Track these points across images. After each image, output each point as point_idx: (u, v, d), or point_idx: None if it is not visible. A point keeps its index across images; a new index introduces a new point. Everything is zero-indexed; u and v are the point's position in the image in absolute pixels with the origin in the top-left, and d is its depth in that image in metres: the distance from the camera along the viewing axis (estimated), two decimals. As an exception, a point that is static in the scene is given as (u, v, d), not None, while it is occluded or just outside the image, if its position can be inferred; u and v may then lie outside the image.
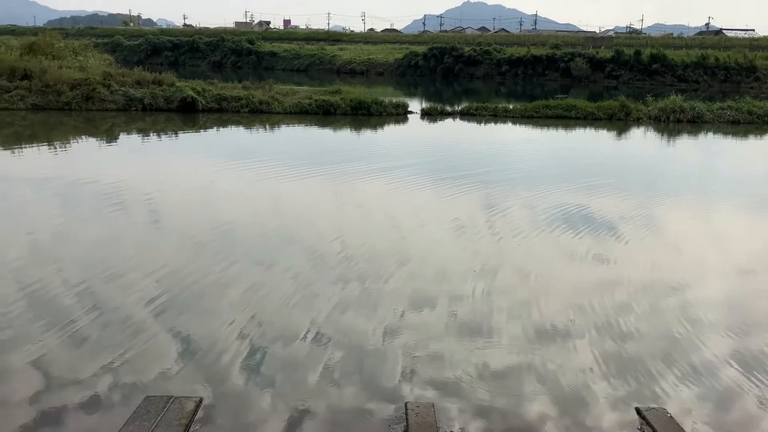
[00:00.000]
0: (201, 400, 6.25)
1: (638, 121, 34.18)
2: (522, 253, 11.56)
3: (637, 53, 72.91)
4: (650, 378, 7.20)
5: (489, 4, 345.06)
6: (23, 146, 22.68)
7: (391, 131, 30.04)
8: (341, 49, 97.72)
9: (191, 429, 5.83)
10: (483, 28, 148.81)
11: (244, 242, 11.64)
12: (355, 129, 29.82)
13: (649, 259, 11.39)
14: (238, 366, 7.08)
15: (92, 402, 6.33)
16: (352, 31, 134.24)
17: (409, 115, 34.70)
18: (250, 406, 6.32)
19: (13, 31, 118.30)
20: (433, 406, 6.31)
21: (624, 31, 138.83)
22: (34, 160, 19.94)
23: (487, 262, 10.82)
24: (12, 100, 30.88)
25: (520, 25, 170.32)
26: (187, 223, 12.89)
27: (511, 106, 36.86)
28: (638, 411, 6.45)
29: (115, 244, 11.38)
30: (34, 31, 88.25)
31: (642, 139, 30.16)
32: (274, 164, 19.61)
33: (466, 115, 35.58)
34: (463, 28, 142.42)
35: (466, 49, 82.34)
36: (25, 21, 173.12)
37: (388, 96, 40.18)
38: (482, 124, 33.24)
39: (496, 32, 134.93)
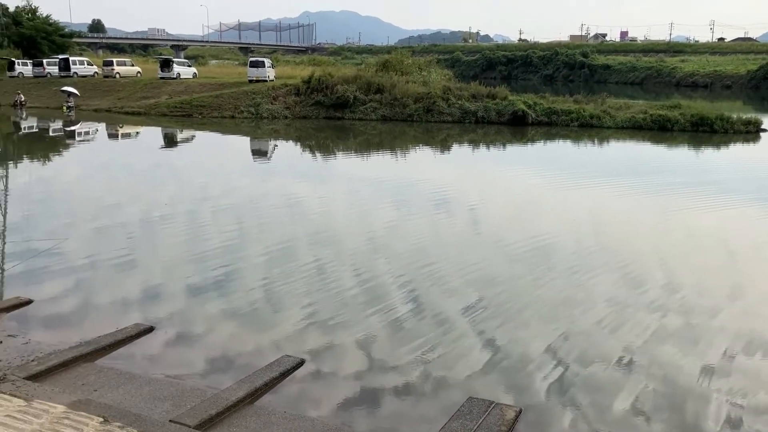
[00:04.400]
0: (521, 411, 6.34)
1: None
2: None
3: None
4: None
5: None
6: (371, 152, 25.67)
7: (737, 151, 26.96)
8: (683, 61, 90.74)
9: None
10: None
11: (559, 255, 11.55)
12: (694, 146, 27.41)
13: None
14: (545, 381, 7.06)
15: (408, 390, 6.84)
16: (697, 41, 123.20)
17: (762, 134, 30.72)
18: (556, 422, 6.27)
19: (370, 50, 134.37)
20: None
21: None
22: (379, 164, 22.41)
23: None
24: (366, 111, 35.16)
25: None
26: (507, 231, 13.22)
27: None
28: None
29: (438, 244, 12.22)
30: (388, 49, 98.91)
31: None
32: (599, 179, 19.06)
33: (837, 135, 30.20)
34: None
35: None
36: (380, 40, 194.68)
37: (736, 111, 36.06)
38: None
39: None
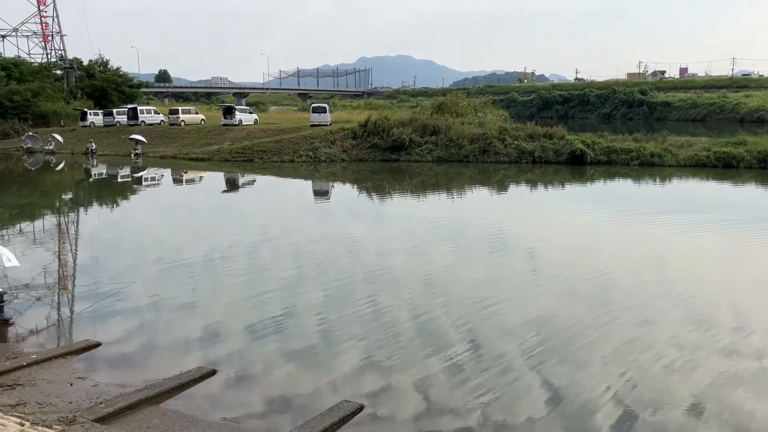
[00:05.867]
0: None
1: None
2: None
3: None
4: None
5: None
6: (427, 193, 25.77)
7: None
8: (747, 96, 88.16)
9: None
10: None
11: (620, 295, 11.24)
12: (763, 184, 26.50)
13: None
14: (605, 425, 6.84)
15: (465, 433, 6.78)
16: (761, 75, 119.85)
17: (834, 170, 29.44)
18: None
19: (425, 93, 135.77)
20: None
21: None
22: (435, 206, 22.43)
23: None
24: (422, 153, 35.44)
25: None
26: (566, 269, 12.97)
27: None
28: None
29: (496, 284, 12.10)
30: (443, 91, 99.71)
31: None
32: (660, 218, 18.58)
33: None
34: None
35: None
36: (435, 83, 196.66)
37: (807, 147, 34.72)
38: None
39: None
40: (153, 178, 33.47)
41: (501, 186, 27.48)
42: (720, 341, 9.05)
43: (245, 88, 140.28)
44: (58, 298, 11.61)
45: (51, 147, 46.77)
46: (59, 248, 16.06)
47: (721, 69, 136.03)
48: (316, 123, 42.41)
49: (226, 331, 9.71)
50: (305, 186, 29.89)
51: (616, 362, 8.40)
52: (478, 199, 24.48)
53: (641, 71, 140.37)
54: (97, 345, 9.01)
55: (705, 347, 8.85)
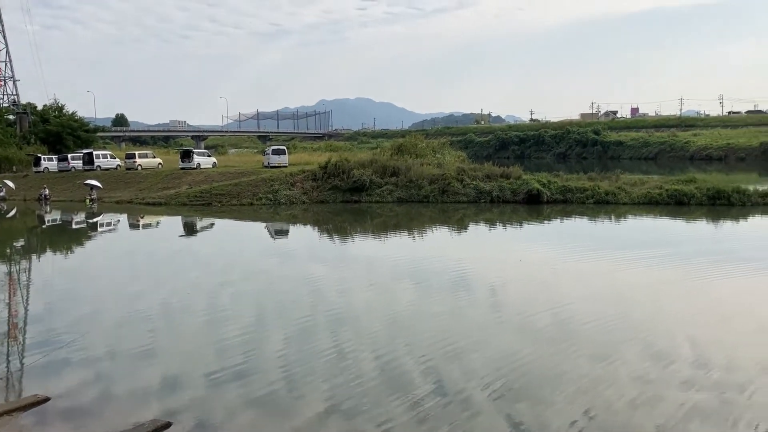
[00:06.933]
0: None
1: None
2: None
3: None
4: None
5: None
6: (388, 234, 25.82)
7: (757, 224, 26.76)
8: (695, 135, 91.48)
9: None
10: None
11: (581, 330, 11.33)
12: (713, 220, 27.28)
13: None
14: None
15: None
16: (708, 115, 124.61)
17: (780, 205, 30.49)
18: None
19: (385, 134, 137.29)
20: None
21: None
22: (396, 245, 22.46)
23: None
24: (382, 193, 35.64)
25: None
26: (527, 309, 13.00)
27: None
28: None
29: (458, 323, 12.06)
30: (402, 133, 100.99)
31: None
32: (616, 254, 18.92)
33: None
34: None
35: None
36: (395, 125, 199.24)
37: (752, 183, 36.05)
38: None
39: None
40: (109, 224, 32.83)
41: (461, 225, 27.72)
42: (680, 374, 9.16)
43: (204, 131, 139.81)
44: (7, 350, 11.15)
45: (2, 194, 45.59)
46: (9, 297, 15.52)
47: (670, 108, 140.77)
48: (275, 164, 42.64)
49: (184, 379, 9.44)
50: (264, 229, 29.65)
51: (579, 398, 8.43)
52: (439, 238, 24.61)
53: (594, 111, 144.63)
54: (46, 400, 8.62)
55: (665, 381, 8.95)
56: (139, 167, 49.22)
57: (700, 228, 26.04)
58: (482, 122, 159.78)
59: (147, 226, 32.27)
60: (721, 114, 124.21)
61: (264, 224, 30.93)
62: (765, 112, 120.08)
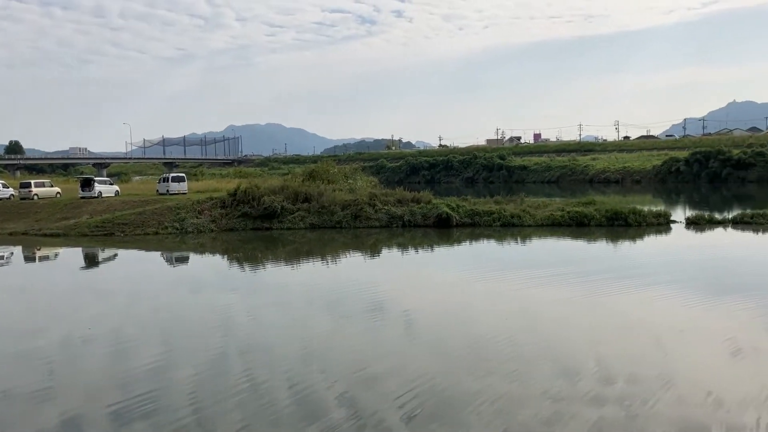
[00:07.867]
0: None
1: None
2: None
3: None
4: None
5: (758, 102, 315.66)
6: (301, 261, 25.60)
7: (652, 242, 28.32)
8: (594, 159, 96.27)
9: None
10: (754, 128, 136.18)
11: (493, 351, 11.59)
12: (612, 240, 28.66)
13: None
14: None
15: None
16: (605, 140, 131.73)
17: (672, 225, 32.46)
18: None
19: (297, 160, 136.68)
20: None
21: None
22: (309, 272, 22.29)
23: (774, 390, 9.45)
24: (294, 220, 35.33)
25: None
26: (440, 331, 13.21)
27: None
28: None
29: (373, 348, 12.07)
30: (314, 159, 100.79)
31: None
32: (523, 274, 19.53)
33: (739, 223, 31.80)
34: (730, 130, 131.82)
35: (735, 151, 76.34)
36: (306, 150, 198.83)
37: (647, 205, 38.23)
38: (761, 234, 29.63)
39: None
40: (1, 257, 30.89)
41: (374, 250, 27.85)
42: (589, 391, 9.52)
43: (106, 158, 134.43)
44: None
45: None
46: None
47: (570, 134, 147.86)
48: (175, 192, 43.62)
49: (86, 419, 8.96)
50: (170, 259, 28.73)
51: (496, 420, 8.59)
52: (353, 263, 24.61)
53: (499, 137, 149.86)
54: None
55: (575, 398, 9.27)
56: (36, 197, 46.63)
57: (600, 247, 27.29)
58: (393, 148, 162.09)
59: (44, 258, 30.56)
60: (617, 139, 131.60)
61: (167, 254, 29.96)
62: (657, 138, 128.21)
